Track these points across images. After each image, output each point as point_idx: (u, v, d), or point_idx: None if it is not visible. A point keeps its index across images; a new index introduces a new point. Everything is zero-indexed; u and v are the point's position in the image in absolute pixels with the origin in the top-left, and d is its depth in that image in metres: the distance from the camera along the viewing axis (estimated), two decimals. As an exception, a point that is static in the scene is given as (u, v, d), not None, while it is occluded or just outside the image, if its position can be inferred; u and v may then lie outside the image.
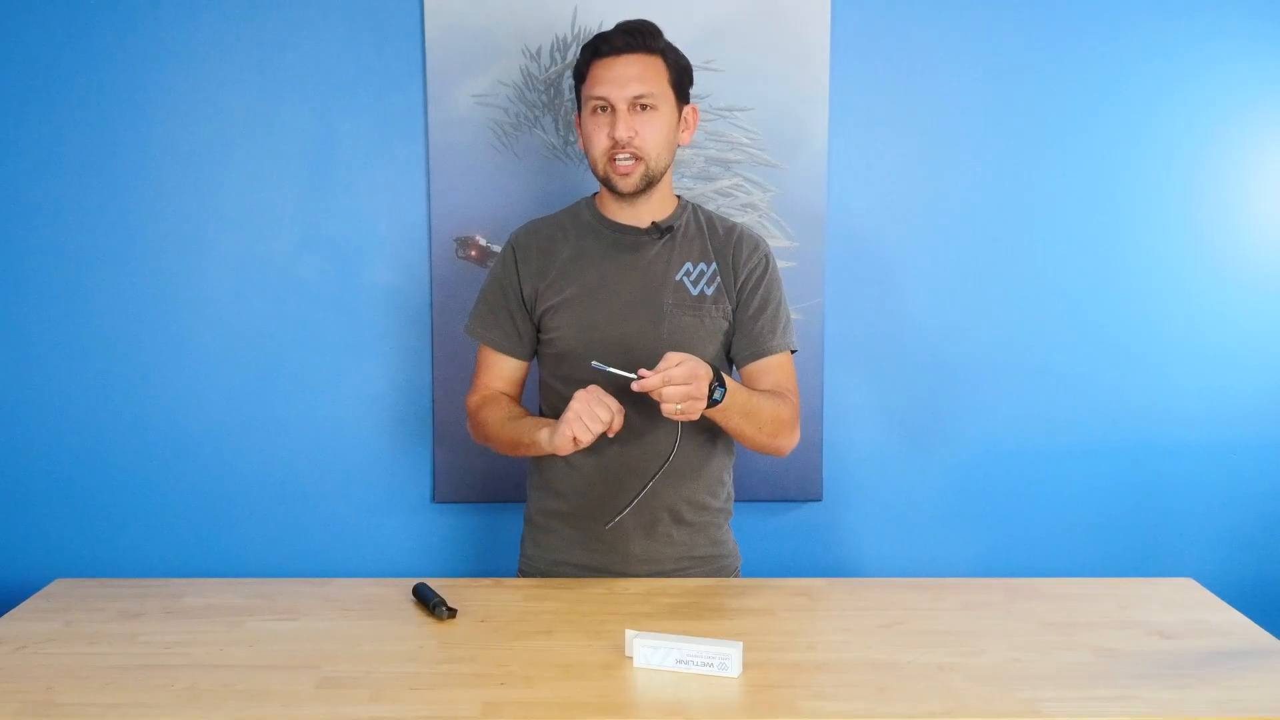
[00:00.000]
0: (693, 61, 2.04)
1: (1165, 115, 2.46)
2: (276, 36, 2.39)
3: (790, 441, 2.03)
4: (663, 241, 2.02)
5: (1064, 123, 2.45)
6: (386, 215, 2.44)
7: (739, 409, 1.88)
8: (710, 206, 2.39)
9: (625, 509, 1.93)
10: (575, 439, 1.82)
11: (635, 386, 1.77)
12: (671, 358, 1.78)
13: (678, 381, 1.76)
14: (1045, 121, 2.45)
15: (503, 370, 2.07)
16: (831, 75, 2.41)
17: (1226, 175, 2.48)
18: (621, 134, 1.92)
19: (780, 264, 2.10)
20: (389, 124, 2.41)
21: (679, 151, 2.20)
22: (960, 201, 2.47)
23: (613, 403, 1.83)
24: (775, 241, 2.41)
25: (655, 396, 1.78)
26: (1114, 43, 2.44)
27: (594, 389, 1.84)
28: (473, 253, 2.42)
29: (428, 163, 2.41)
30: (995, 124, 2.45)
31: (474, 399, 2.08)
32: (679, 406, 1.77)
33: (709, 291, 2.01)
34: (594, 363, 1.85)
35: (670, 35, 2.02)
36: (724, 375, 1.85)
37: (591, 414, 1.81)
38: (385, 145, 2.42)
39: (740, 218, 2.40)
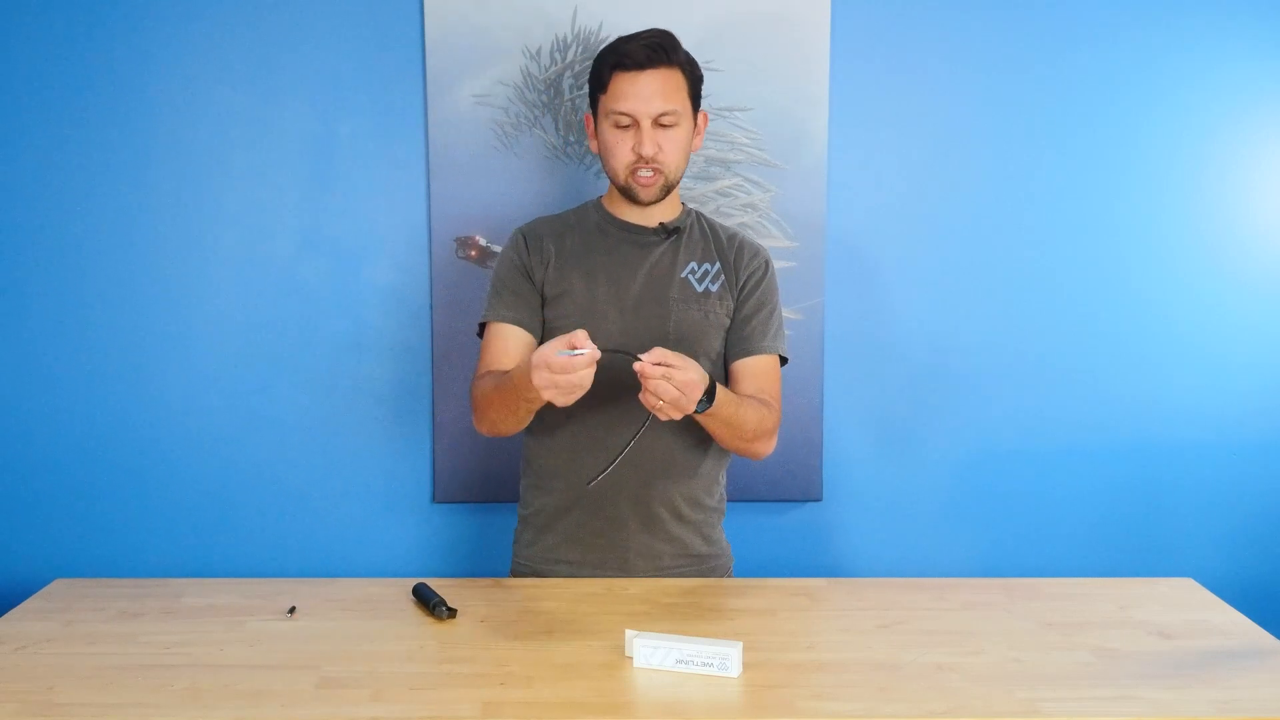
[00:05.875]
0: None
1: (1165, 116, 2.46)
2: (276, 36, 2.39)
3: (766, 449, 2.03)
4: (670, 241, 2.03)
5: (1064, 123, 2.45)
6: (386, 215, 2.44)
7: (724, 419, 1.88)
8: (710, 206, 2.39)
9: (608, 468, 1.87)
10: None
11: (638, 367, 1.73)
12: (679, 359, 1.75)
13: (676, 384, 1.73)
14: (1045, 122, 2.45)
15: (518, 347, 1.98)
16: (831, 75, 2.41)
17: (1226, 176, 2.48)
18: (648, 151, 1.93)
19: (780, 264, 2.10)
20: (389, 124, 2.41)
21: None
22: (960, 202, 2.47)
23: (566, 366, 1.69)
24: (775, 242, 2.41)
25: (644, 381, 1.73)
26: (1114, 43, 2.44)
27: (550, 364, 1.70)
28: (473, 253, 2.42)
29: (428, 163, 2.41)
30: (995, 125, 2.45)
31: (476, 382, 1.99)
32: (662, 403, 1.75)
33: (713, 289, 2.02)
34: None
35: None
36: (718, 387, 1.83)
37: (565, 385, 1.70)
38: (385, 145, 2.42)
39: (740, 218, 2.40)
